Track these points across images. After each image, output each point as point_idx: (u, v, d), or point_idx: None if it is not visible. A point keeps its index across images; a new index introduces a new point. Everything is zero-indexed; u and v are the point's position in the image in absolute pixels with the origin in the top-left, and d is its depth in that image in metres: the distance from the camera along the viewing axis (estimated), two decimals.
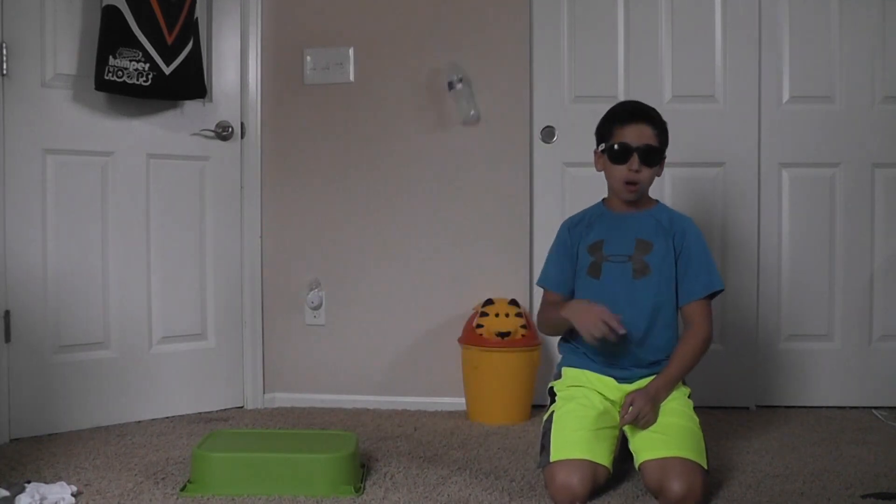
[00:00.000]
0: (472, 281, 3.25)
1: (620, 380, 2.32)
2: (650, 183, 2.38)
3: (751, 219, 3.26)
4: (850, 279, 3.27)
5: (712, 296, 2.37)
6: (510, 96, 3.26)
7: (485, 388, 3.09)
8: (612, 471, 2.22)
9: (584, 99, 3.25)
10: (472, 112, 3.21)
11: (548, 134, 3.28)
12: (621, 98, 3.23)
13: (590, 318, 2.21)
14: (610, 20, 3.28)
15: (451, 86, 3.22)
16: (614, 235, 2.39)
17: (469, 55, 3.27)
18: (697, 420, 2.26)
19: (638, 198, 2.39)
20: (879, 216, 3.26)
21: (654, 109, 2.40)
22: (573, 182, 3.26)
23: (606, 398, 2.31)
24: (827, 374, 3.28)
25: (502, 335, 3.04)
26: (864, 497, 2.18)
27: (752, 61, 3.23)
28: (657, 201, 2.46)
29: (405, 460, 2.54)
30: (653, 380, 2.28)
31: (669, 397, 2.27)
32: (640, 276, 2.33)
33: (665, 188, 3.23)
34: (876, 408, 3.20)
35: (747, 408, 3.25)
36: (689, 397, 2.33)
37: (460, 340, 3.16)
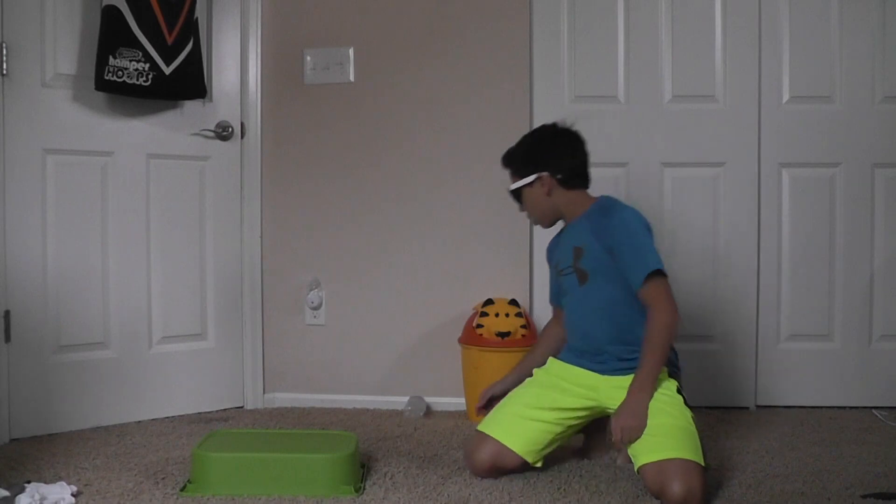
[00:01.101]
0: (472, 281, 3.25)
1: (603, 372, 2.37)
2: (542, 212, 2.49)
3: (751, 219, 3.26)
4: (850, 279, 3.27)
5: (660, 275, 2.28)
6: (510, 96, 3.26)
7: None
8: (530, 463, 2.35)
9: (584, 99, 3.25)
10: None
11: None
12: (621, 98, 3.24)
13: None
14: (610, 20, 3.28)
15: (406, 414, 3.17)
16: (560, 251, 2.50)
17: (469, 55, 3.27)
18: (689, 414, 2.26)
19: (548, 226, 2.54)
20: (879, 216, 3.26)
21: (510, 150, 2.52)
22: None
23: (593, 389, 2.37)
24: (827, 374, 3.28)
25: (502, 335, 3.04)
26: (864, 497, 2.18)
27: (752, 61, 3.23)
28: (594, 199, 2.46)
29: (405, 460, 2.54)
30: (629, 386, 2.26)
31: (657, 394, 2.26)
32: (584, 282, 2.40)
33: (665, 188, 3.24)
34: (876, 408, 3.19)
35: (747, 408, 3.25)
36: (677, 391, 2.32)
37: (460, 340, 3.16)
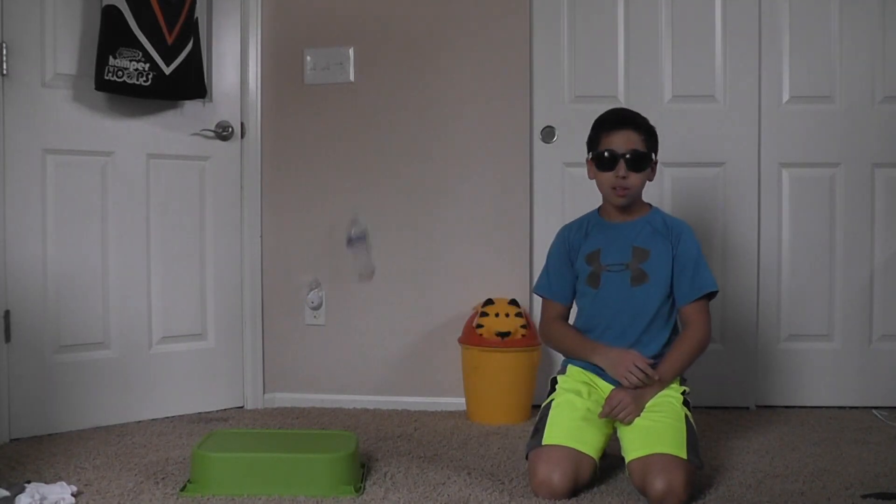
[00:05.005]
0: (472, 281, 3.25)
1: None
2: (641, 188, 2.39)
3: (751, 219, 3.26)
4: (850, 279, 3.27)
5: (710, 296, 2.37)
6: (510, 96, 3.26)
7: (485, 388, 3.09)
8: (598, 464, 2.24)
9: (584, 99, 3.25)
10: (369, 269, 3.28)
11: (548, 134, 3.28)
12: (621, 98, 3.24)
13: (624, 367, 2.27)
14: (610, 20, 3.28)
15: (349, 241, 3.24)
16: (611, 244, 2.41)
17: (469, 55, 3.27)
18: (684, 413, 2.26)
19: (628, 203, 2.40)
20: (879, 216, 3.26)
21: (640, 115, 2.42)
22: (573, 182, 3.25)
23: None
24: (827, 374, 3.28)
25: (502, 335, 3.04)
26: (864, 497, 2.18)
27: (752, 61, 3.23)
28: (651, 206, 2.47)
29: (405, 460, 2.54)
30: None
31: (661, 393, 2.28)
32: (638, 283, 2.35)
33: (665, 188, 3.24)
34: (876, 408, 3.20)
35: (747, 408, 3.25)
36: (683, 394, 2.32)
37: (460, 340, 3.16)
